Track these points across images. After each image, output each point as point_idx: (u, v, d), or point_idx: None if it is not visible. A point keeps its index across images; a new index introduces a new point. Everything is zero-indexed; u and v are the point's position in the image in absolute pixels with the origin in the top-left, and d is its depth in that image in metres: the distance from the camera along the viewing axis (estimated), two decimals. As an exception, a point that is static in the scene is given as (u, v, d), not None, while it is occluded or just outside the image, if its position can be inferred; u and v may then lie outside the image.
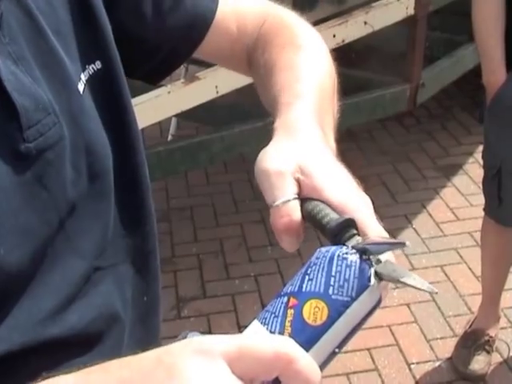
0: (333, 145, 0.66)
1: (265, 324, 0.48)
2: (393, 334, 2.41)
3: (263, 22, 0.80)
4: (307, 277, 0.48)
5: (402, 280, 0.51)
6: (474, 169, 3.25)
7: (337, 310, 0.47)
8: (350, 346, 2.05)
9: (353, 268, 0.48)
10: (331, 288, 0.48)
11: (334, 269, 0.49)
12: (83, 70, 0.64)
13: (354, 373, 2.28)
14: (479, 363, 2.22)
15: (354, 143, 3.61)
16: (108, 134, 0.66)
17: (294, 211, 0.56)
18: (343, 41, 2.70)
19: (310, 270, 0.49)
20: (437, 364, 2.29)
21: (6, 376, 0.55)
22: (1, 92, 0.56)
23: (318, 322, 0.47)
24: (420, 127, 3.76)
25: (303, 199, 0.56)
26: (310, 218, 0.55)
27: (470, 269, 2.69)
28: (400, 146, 3.59)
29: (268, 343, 0.43)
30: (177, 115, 2.79)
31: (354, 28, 2.74)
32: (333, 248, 0.50)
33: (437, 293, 0.52)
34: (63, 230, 0.60)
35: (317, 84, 0.71)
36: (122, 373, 0.44)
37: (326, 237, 0.54)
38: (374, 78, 3.16)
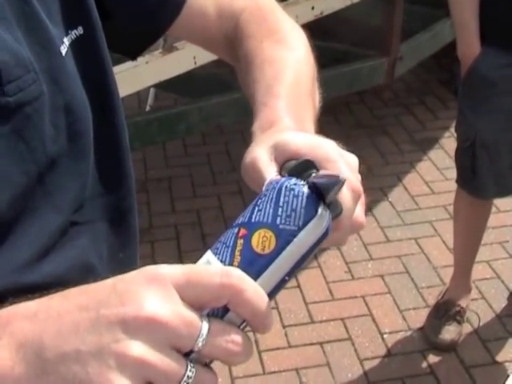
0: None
1: (216, 254, 0.50)
2: (366, 305, 2.46)
3: (243, 10, 0.81)
4: (257, 208, 0.50)
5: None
6: (450, 143, 3.29)
7: (284, 239, 0.49)
8: (324, 315, 2.10)
9: (300, 198, 0.50)
10: (279, 218, 0.49)
11: (281, 199, 0.50)
12: (66, 35, 0.66)
13: (328, 342, 2.32)
14: (450, 333, 2.27)
15: (331, 116, 3.62)
16: (89, 96, 0.68)
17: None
18: (322, 13, 2.70)
19: (260, 201, 0.51)
20: (409, 334, 2.34)
21: None
22: None
23: (266, 251, 0.48)
24: (397, 101, 3.78)
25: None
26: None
27: (443, 241, 2.73)
28: (377, 120, 3.61)
29: (215, 272, 0.46)
30: (155, 86, 2.78)
31: (332, 0, 2.73)
32: (282, 179, 0.52)
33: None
34: (42, 184, 0.63)
35: (295, 80, 0.72)
36: (80, 299, 0.46)
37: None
38: (352, 50, 3.16)
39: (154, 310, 0.44)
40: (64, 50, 0.65)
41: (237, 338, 0.47)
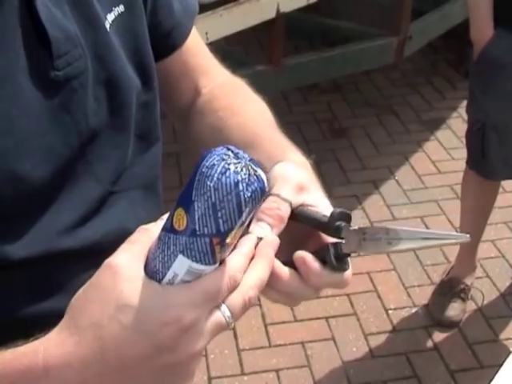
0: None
1: (197, 261, 0.55)
2: (372, 281, 2.49)
3: (218, 76, 0.87)
4: (219, 213, 0.54)
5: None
6: (457, 123, 3.30)
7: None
8: (329, 291, 2.12)
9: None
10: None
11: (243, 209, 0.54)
12: (109, 11, 0.69)
13: (333, 317, 2.35)
14: (454, 310, 2.31)
15: (339, 94, 3.63)
16: (131, 69, 0.71)
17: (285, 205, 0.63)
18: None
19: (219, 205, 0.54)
20: (413, 310, 2.37)
21: (26, 280, 0.62)
22: (36, 22, 0.61)
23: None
24: (405, 81, 3.79)
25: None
26: (303, 218, 0.64)
27: (449, 220, 2.76)
28: (385, 99, 3.62)
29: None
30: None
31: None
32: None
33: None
34: (84, 155, 0.66)
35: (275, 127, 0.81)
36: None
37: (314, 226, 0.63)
38: (361, 29, 3.17)
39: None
40: (107, 25, 0.68)
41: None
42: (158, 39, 0.78)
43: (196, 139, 0.83)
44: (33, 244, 0.61)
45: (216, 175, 0.53)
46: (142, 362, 0.52)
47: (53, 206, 0.63)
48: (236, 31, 2.36)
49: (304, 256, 0.60)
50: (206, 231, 0.53)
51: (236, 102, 0.83)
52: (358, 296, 2.42)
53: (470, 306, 2.37)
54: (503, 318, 2.34)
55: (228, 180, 0.53)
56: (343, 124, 3.39)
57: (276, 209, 0.61)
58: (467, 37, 2.06)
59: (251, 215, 0.55)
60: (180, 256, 0.53)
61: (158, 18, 0.78)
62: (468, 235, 0.58)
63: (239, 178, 0.53)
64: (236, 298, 0.55)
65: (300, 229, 0.63)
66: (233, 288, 0.55)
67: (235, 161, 0.54)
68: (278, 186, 0.63)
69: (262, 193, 0.54)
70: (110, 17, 0.69)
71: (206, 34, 2.27)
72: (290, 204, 0.62)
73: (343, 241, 0.62)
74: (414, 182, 3.01)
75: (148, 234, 0.55)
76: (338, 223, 0.61)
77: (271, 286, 0.59)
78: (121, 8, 0.70)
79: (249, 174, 0.54)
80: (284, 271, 0.60)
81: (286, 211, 0.62)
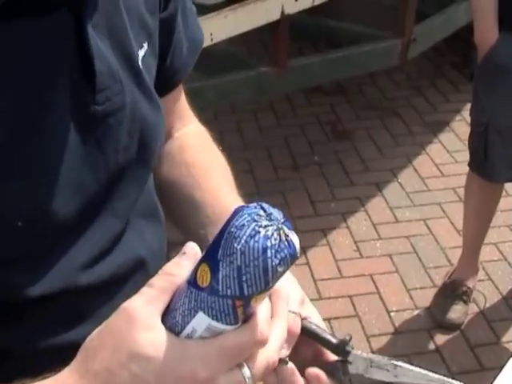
0: None
1: (218, 320, 0.53)
2: (374, 283, 2.49)
3: (190, 123, 0.89)
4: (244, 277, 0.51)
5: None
6: (461, 126, 3.30)
7: None
8: (332, 292, 2.13)
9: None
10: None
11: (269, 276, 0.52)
12: (140, 48, 0.69)
13: (336, 318, 2.36)
14: (456, 312, 2.31)
15: (343, 97, 3.63)
16: None
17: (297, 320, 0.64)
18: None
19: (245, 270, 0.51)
20: (415, 312, 2.38)
21: (43, 314, 0.62)
22: (86, 55, 0.60)
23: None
24: (409, 83, 3.79)
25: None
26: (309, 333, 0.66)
27: (451, 223, 2.76)
28: (388, 101, 3.62)
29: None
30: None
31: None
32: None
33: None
34: (108, 192, 0.65)
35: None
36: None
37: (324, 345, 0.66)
38: (365, 31, 3.17)
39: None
40: (140, 61, 0.68)
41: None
42: (164, 77, 0.77)
43: (165, 182, 0.83)
44: (50, 282, 0.60)
45: (244, 238, 0.50)
46: None
47: (72, 243, 0.62)
48: (241, 32, 2.37)
49: (318, 374, 0.63)
50: (228, 293, 0.51)
51: (204, 160, 0.85)
52: (361, 298, 2.43)
53: (472, 308, 2.37)
54: (505, 321, 2.34)
55: (256, 245, 0.50)
56: (347, 126, 3.39)
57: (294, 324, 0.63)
58: (471, 39, 2.07)
59: (280, 277, 0.53)
60: (200, 313, 0.52)
61: (170, 56, 0.78)
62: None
63: (268, 244, 0.50)
64: (260, 360, 0.54)
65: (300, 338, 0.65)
66: (256, 348, 0.54)
67: (267, 223, 0.51)
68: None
69: (291, 259, 0.52)
70: (141, 53, 0.68)
71: (211, 35, 2.28)
72: (300, 316, 0.64)
73: (350, 362, 0.66)
74: (417, 184, 3.01)
75: (169, 280, 0.53)
76: (347, 348, 0.65)
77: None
78: (146, 44, 0.70)
79: (279, 240, 0.51)
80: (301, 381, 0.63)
81: (298, 325, 0.63)
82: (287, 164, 3.11)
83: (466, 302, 2.34)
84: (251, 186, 2.95)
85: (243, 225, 0.51)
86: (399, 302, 2.41)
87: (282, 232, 0.51)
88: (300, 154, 3.17)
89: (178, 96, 0.86)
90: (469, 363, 2.19)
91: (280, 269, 0.51)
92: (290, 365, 0.62)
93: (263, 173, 3.03)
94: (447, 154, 3.20)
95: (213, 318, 0.51)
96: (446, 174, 3.06)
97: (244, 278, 0.50)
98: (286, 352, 0.61)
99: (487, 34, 1.99)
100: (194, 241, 0.56)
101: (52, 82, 0.58)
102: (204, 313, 0.51)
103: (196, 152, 0.84)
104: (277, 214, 0.52)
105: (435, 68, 3.92)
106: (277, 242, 0.51)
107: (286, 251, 0.51)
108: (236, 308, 0.51)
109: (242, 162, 3.07)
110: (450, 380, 0.64)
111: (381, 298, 2.43)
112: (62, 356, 0.55)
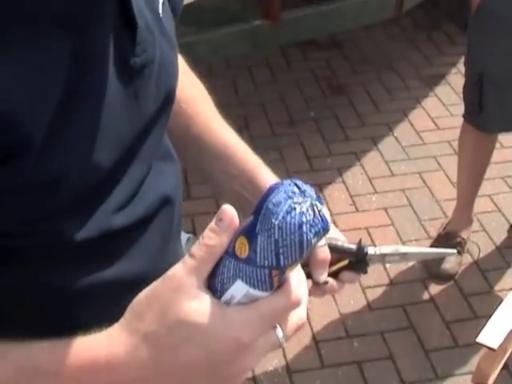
0: None
1: (255, 288, 0.58)
2: (370, 236, 2.51)
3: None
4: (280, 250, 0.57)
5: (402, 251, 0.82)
6: (457, 79, 3.29)
7: None
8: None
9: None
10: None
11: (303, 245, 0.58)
12: None
13: (332, 271, 2.38)
14: (450, 263, 2.34)
15: (338, 51, 3.61)
16: None
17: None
18: None
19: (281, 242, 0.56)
20: (410, 264, 2.40)
21: (84, 256, 0.65)
22: (126, 7, 0.61)
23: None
24: (405, 36, 3.76)
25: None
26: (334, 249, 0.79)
27: (447, 176, 2.77)
28: (384, 55, 3.60)
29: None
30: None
31: None
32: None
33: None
34: (139, 140, 0.68)
35: None
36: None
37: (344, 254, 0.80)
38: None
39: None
40: (160, 10, 0.68)
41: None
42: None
43: None
44: (90, 227, 0.63)
45: (282, 214, 0.55)
46: (196, 372, 0.57)
47: (107, 191, 0.65)
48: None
49: (349, 275, 0.81)
50: (266, 263, 0.56)
51: (194, 93, 0.89)
52: (356, 250, 2.45)
53: (466, 259, 2.41)
54: (498, 270, 2.37)
55: (293, 220, 0.55)
56: (342, 81, 3.38)
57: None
58: (466, -11, 2.05)
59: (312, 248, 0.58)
60: (239, 281, 0.56)
61: None
62: (454, 250, 0.88)
63: (304, 220, 0.55)
64: (291, 321, 0.60)
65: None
66: (290, 311, 0.59)
67: (301, 199, 0.56)
68: None
69: (324, 232, 0.57)
70: (161, 2, 0.69)
71: (203, -12, 2.26)
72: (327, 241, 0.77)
73: (368, 262, 0.81)
74: (413, 138, 3.01)
75: (209, 251, 0.57)
76: (365, 251, 0.80)
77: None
78: None
79: (313, 215, 0.56)
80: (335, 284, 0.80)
81: (328, 254, 0.76)
82: (283, 120, 3.11)
83: (460, 253, 2.37)
84: (247, 142, 2.90)
85: (280, 202, 0.56)
86: (394, 253, 2.43)
87: (315, 208, 0.56)
88: (295, 110, 3.17)
89: None
90: (462, 312, 2.23)
91: (314, 241, 0.56)
92: (330, 282, 0.78)
93: (259, 129, 3.03)
94: (443, 107, 3.19)
95: (250, 286, 0.56)
96: (442, 127, 3.06)
97: (281, 251, 0.55)
98: (324, 277, 0.75)
99: None
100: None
101: (100, 31, 0.59)
102: (242, 281, 0.56)
103: (180, 85, 0.85)
104: (309, 190, 0.57)
105: (431, 20, 3.88)
106: (311, 217, 0.55)
107: (319, 225, 0.56)
108: (272, 277, 0.56)
109: (238, 118, 3.06)
110: (446, 250, 0.86)
111: (376, 251, 2.45)
112: (98, 294, 0.63)
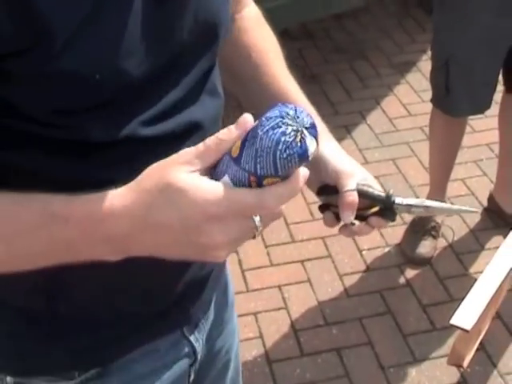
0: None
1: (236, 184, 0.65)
2: (346, 224, 2.52)
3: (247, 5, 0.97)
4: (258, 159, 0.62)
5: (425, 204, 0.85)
6: (427, 65, 3.25)
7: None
8: (305, 235, 2.16)
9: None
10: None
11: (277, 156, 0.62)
12: None
13: (309, 259, 2.40)
14: (425, 247, 2.36)
15: (310, 41, 3.62)
16: None
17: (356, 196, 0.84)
18: None
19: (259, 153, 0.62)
20: (386, 250, 2.43)
21: (107, 154, 0.72)
22: None
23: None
24: (376, 25, 3.77)
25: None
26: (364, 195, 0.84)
27: (420, 161, 2.80)
28: (356, 44, 3.61)
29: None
30: None
31: None
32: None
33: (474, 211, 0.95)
34: (172, 66, 0.73)
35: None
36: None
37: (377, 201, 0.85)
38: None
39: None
40: None
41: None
42: None
43: (226, 61, 0.90)
44: (115, 130, 0.70)
45: (267, 127, 0.60)
46: (170, 231, 0.64)
47: (137, 102, 0.71)
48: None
49: (377, 219, 0.85)
50: (247, 167, 0.62)
51: (266, 46, 0.97)
52: (333, 238, 2.47)
53: (441, 242, 2.43)
54: (472, 253, 2.40)
55: (273, 136, 0.60)
56: (315, 70, 3.39)
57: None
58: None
59: (292, 171, 0.62)
60: (226, 176, 0.63)
61: None
62: (477, 209, 0.83)
63: (282, 139, 0.60)
64: (269, 215, 0.66)
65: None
66: (261, 212, 0.64)
67: (290, 122, 0.60)
68: (347, 181, 0.84)
69: (299, 158, 0.61)
70: None
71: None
72: (357, 186, 0.84)
73: (395, 210, 0.84)
74: (386, 125, 3.03)
75: (216, 143, 0.64)
76: (392, 199, 0.83)
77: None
78: None
79: (294, 139, 0.60)
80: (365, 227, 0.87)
81: (356, 198, 0.83)
82: (256, 111, 3.11)
83: (434, 237, 2.39)
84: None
85: (271, 117, 0.61)
86: (370, 240, 2.46)
87: (299, 134, 0.60)
88: (269, 101, 3.17)
89: None
90: (439, 295, 2.26)
91: (287, 163, 0.60)
92: (357, 225, 0.86)
93: (234, 119, 3.03)
94: (414, 93, 3.21)
95: (233, 183, 0.63)
96: (414, 113, 3.08)
97: (258, 160, 0.61)
98: (351, 218, 0.83)
99: None
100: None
101: None
102: (228, 177, 0.63)
103: (254, 35, 0.95)
104: (305, 119, 0.61)
105: (401, 7, 3.90)
106: (290, 139, 0.60)
107: (295, 149, 0.60)
108: (251, 182, 0.62)
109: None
110: (467, 208, 0.91)
111: (352, 238, 2.47)
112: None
